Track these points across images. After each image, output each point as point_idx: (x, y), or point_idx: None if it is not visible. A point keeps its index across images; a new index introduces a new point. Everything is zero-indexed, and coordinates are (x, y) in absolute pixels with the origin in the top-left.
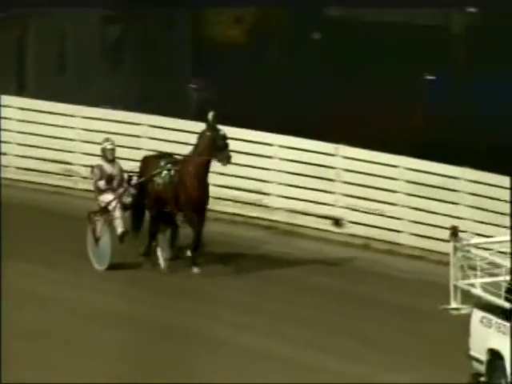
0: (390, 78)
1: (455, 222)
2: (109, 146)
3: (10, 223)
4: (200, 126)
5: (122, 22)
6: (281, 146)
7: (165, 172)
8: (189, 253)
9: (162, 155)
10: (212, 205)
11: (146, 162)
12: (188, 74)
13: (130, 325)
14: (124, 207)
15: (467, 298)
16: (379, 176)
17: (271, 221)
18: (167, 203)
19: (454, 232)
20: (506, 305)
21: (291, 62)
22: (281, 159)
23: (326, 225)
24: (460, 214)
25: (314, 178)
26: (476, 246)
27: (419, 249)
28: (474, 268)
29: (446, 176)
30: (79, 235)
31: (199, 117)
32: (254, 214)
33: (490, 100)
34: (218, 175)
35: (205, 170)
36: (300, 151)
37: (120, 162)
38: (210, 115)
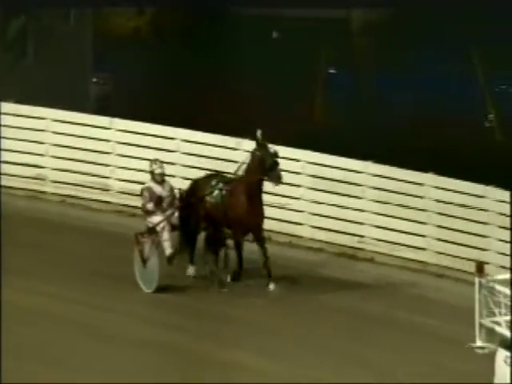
0: (292, 71)
1: (357, 216)
2: (158, 171)
3: None
4: (101, 120)
5: (24, 17)
6: (183, 140)
7: (216, 192)
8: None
9: (213, 175)
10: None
11: (197, 183)
12: (90, 68)
13: (155, 351)
14: (173, 228)
15: (493, 335)
16: (282, 170)
17: None
18: (218, 223)
19: (480, 268)
20: None
21: (195, 55)
22: (183, 153)
23: None
24: (363, 207)
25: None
26: (501, 283)
27: (319, 241)
28: (498, 305)
29: (348, 170)
30: None
31: (101, 111)
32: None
33: (391, 95)
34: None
35: (257, 189)
36: (202, 145)
37: (23, 156)
38: (259, 134)
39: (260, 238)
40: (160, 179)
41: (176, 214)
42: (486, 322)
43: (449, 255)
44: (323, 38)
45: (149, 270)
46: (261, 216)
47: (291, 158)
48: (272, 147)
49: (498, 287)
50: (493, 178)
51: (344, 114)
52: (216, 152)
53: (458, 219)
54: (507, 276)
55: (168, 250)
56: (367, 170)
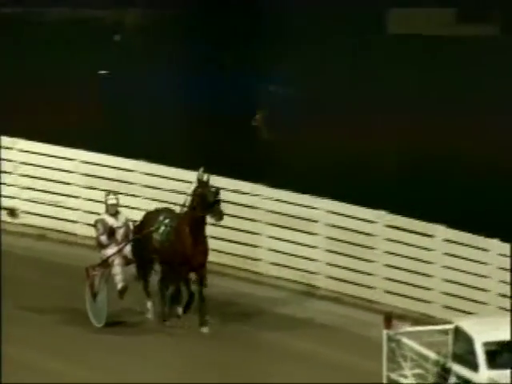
0: (65, 73)
1: (133, 214)
2: (110, 201)
3: None
4: None
5: None
6: None
7: (162, 228)
8: (180, 311)
9: (162, 210)
10: None
11: (147, 216)
12: None
13: None
14: (127, 262)
15: None
16: (55, 169)
17: None
18: (166, 260)
19: (388, 319)
20: None
21: None
22: None
23: (3, 215)
24: (138, 206)
25: None
26: (407, 335)
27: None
28: (405, 358)
29: (120, 169)
30: None
31: None
32: None
33: (164, 95)
34: None
35: (200, 225)
36: None
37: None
38: (200, 171)
39: (202, 277)
40: (113, 211)
41: (128, 248)
42: (393, 375)
43: (225, 253)
44: (91, 39)
45: (98, 304)
46: (205, 253)
47: (64, 157)
48: (213, 185)
49: (405, 340)
50: (260, 176)
51: (117, 115)
52: None
53: (230, 217)
54: (416, 328)
55: (119, 284)
56: (138, 168)
